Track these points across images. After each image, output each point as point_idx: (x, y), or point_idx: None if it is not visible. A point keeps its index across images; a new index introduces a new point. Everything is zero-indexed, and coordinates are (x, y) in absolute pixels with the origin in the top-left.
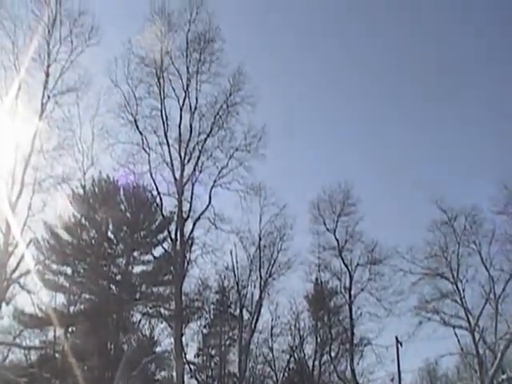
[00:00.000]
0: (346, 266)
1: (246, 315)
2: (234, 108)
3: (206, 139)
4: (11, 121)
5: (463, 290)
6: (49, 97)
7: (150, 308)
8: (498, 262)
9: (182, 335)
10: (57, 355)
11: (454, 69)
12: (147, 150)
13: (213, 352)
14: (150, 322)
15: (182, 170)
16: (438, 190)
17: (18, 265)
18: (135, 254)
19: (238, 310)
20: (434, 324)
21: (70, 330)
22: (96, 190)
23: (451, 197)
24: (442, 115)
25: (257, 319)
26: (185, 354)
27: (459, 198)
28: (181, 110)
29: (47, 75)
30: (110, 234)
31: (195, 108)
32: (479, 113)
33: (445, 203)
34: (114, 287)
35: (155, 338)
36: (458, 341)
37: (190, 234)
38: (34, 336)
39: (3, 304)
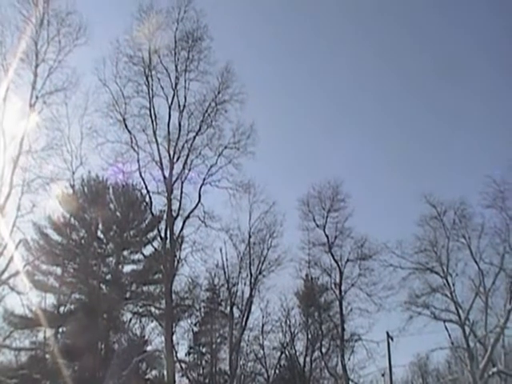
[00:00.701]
0: (336, 261)
1: (236, 313)
2: (223, 106)
3: (194, 137)
4: None
5: (453, 284)
6: (37, 97)
7: (141, 307)
8: (488, 255)
9: (172, 334)
10: (47, 356)
11: (443, 63)
12: (136, 148)
13: (204, 350)
14: (140, 321)
15: (171, 169)
16: (426, 184)
17: (7, 266)
18: (125, 253)
19: (228, 308)
20: (425, 318)
21: (60, 330)
22: (85, 189)
23: (440, 191)
24: (430, 110)
25: (247, 316)
26: (176, 353)
27: (448, 192)
28: (169, 108)
29: (35, 75)
30: (99, 233)
31: (184, 106)
32: (467, 107)
33: (434, 198)
34: (104, 287)
35: (146, 337)
36: (449, 335)
37: (180, 232)
38: (24, 337)
39: None
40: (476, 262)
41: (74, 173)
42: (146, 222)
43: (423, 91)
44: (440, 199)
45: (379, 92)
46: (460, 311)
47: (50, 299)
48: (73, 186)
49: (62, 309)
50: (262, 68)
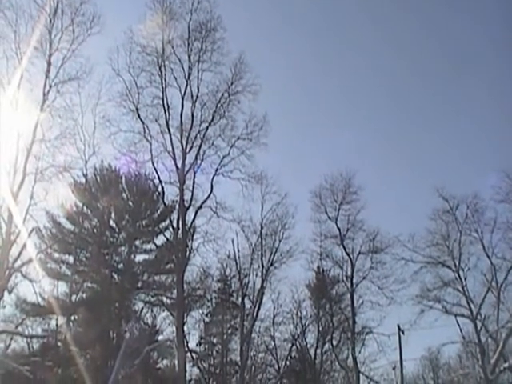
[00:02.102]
0: (348, 254)
1: (247, 304)
2: (236, 96)
3: (207, 128)
4: (13, 110)
5: (465, 279)
6: (50, 86)
7: (152, 297)
8: (500, 250)
9: (183, 324)
10: (59, 344)
11: (454, 55)
12: (149, 138)
13: (214, 340)
14: (151, 311)
15: (184, 159)
16: (439, 178)
17: (20, 254)
18: (137, 242)
19: (239, 299)
20: (436, 312)
21: (72, 318)
22: (98, 178)
23: (453, 185)
24: (444, 103)
25: (258, 308)
26: (187, 343)
27: (461, 186)
28: (182, 98)
29: (49, 64)
30: (111, 222)
31: (197, 97)
32: (482, 101)
33: (446, 192)
34: (115, 276)
35: (157, 327)
36: (460, 329)
37: (192, 222)
38: (36, 324)
39: (5, 293)
40: (488, 256)
41: (86, 162)
42: (159, 211)
43: (437, 84)
44: (453, 193)
45: (392, 84)
46: (472, 306)
47: (63, 287)
48: (85, 175)
49: (74, 297)
50: (276, 59)
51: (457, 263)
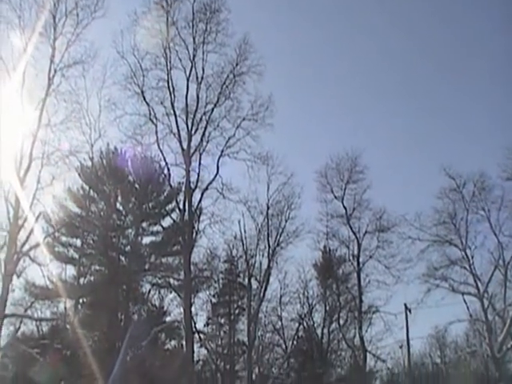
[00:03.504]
0: (354, 233)
1: (254, 284)
2: (241, 78)
3: (212, 109)
4: (19, 95)
5: (472, 257)
6: (55, 70)
7: (159, 278)
8: (507, 228)
9: (191, 305)
10: (68, 326)
11: (461, 35)
12: (154, 121)
13: (222, 321)
14: (159, 293)
15: (190, 141)
16: (446, 156)
17: (27, 238)
18: (144, 224)
19: (246, 279)
20: (443, 291)
21: (80, 301)
22: (104, 162)
23: (460, 163)
24: (450, 81)
25: (265, 288)
26: (194, 324)
27: (468, 164)
28: (187, 80)
29: (54, 49)
30: (118, 205)
31: (202, 78)
32: (488, 78)
33: (453, 170)
34: (123, 258)
35: (165, 308)
36: (467, 307)
37: (198, 204)
38: (45, 308)
39: (14, 276)
40: (495, 234)
41: (92, 145)
42: (165, 193)
43: (444, 64)
44: (459, 171)
45: (399, 62)
46: (479, 284)
47: (70, 270)
48: (92, 159)
49: (81, 280)
50: (281, 39)
51: (464, 241)
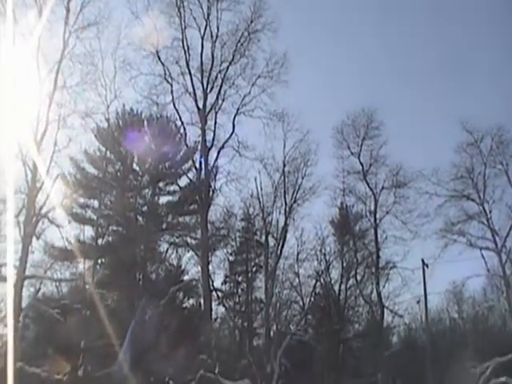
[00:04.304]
0: (371, 189)
1: (271, 242)
2: (256, 35)
3: (228, 67)
4: (34, 59)
5: (490, 212)
6: (70, 32)
7: (177, 238)
8: None
9: (208, 263)
10: (87, 287)
11: None
12: (170, 80)
13: (239, 279)
14: (177, 252)
15: (205, 99)
16: (463, 111)
17: (46, 200)
18: (160, 184)
19: (263, 237)
20: (460, 246)
21: (98, 261)
22: (120, 122)
23: (478, 117)
24: (468, 33)
25: (282, 245)
26: (212, 282)
27: (486, 118)
28: (202, 39)
29: (68, 11)
30: (135, 166)
31: (216, 36)
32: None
33: (471, 125)
34: (140, 218)
35: (182, 267)
36: (485, 262)
37: (215, 162)
38: (65, 269)
39: (34, 238)
40: None
41: (108, 107)
42: (181, 153)
43: (461, 13)
44: (477, 126)
45: (414, 14)
46: (497, 238)
47: (88, 231)
48: (108, 120)
49: (99, 241)
50: None
51: (481, 196)
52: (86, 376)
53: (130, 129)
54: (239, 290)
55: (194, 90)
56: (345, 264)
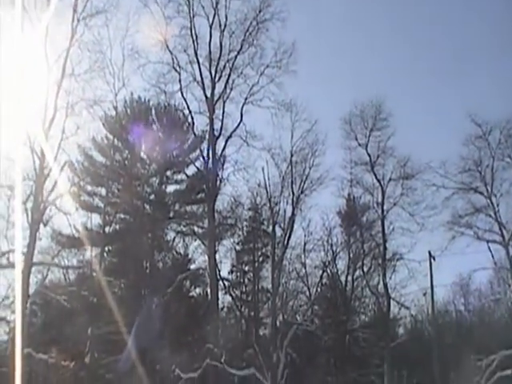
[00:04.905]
0: (379, 180)
1: (278, 232)
2: (264, 24)
3: (236, 56)
4: (43, 46)
5: (497, 205)
6: (78, 20)
7: (184, 226)
8: None
9: (215, 252)
10: (94, 274)
11: None
12: (178, 69)
13: (246, 268)
14: (184, 240)
15: (213, 88)
16: (472, 103)
17: (53, 187)
18: (168, 173)
19: (270, 227)
20: (468, 238)
21: (106, 249)
22: (128, 111)
23: (486, 110)
24: (477, 22)
25: (289, 235)
26: (219, 271)
27: (494, 111)
28: (210, 28)
29: None
30: (142, 154)
31: (225, 25)
32: None
33: (479, 117)
34: (147, 207)
35: (189, 256)
36: (492, 255)
37: (222, 151)
38: (72, 256)
39: (41, 225)
40: None
41: (116, 95)
42: (189, 142)
43: (472, 2)
44: (485, 118)
45: (423, 2)
46: (504, 231)
47: (96, 219)
48: (116, 108)
49: (107, 228)
50: None
51: (489, 189)
52: (92, 363)
53: (138, 118)
54: (246, 280)
55: (202, 78)
56: (351, 255)
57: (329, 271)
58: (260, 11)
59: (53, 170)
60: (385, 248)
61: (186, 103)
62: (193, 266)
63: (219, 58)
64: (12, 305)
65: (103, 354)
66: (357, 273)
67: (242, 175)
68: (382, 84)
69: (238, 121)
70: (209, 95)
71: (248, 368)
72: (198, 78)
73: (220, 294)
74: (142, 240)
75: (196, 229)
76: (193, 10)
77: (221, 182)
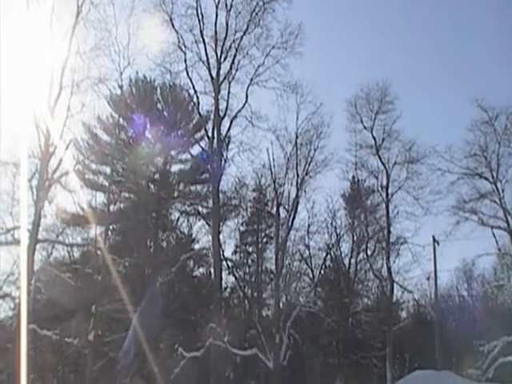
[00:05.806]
0: (383, 164)
1: (282, 213)
2: (270, 5)
3: (242, 37)
4: (48, 24)
5: (502, 190)
6: None
7: (188, 206)
8: None
9: (219, 233)
10: (98, 252)
11: None
12: (183, 48)
13: (250, 249)
14: (188, 220)
15: (219, 69)
16: (478, 88)
17: (58, 165)
18: (172, 153)
19: (274, 208)
20: (472, 224)
21: (110, 227)
22: (133, 90)
23: (492, 95)
24: (484, 8)
25: (293, 217)
26: (222, 251)
27: (501, 96)
28: (216, 7)
29: None
30: (147, 133)
31: (231, 6)
32: None
33: (485, 102)
34: (152, 186)
35: (193, 236)
36: (496, 241)
37: (227, 132)
38: (76, 234)
39: (46, 203)
40: None
41: (121, 73)
42: (194, 121)
43: None
44: (492, 104)
45: None
46: (508, 218)
47: (100, 197)
48: (121, 87)
49: (111, 207)
50: None
51: (494, 175)
52: (96, 340)
53: (143, 97)
54: (249, 261)
55: (207, 58)
56: (355, 238)
57: (332, 253)
58: None
59: (58, 147)
60: (389, 232)
61: (192, 83)
62: (197, 246)
63: (225, 38)
64: (17, 281)
65: (107, 332)
66: (360, 256)
67: (247, 156)
68: (388, 67)
69: (244, 101)
70: (214, 75)
71: (250, 348)
72: (204, 58)
73: (223, 274)
74: (147, 219)
75: (200, 209)
76: None
77: (225, 162)
